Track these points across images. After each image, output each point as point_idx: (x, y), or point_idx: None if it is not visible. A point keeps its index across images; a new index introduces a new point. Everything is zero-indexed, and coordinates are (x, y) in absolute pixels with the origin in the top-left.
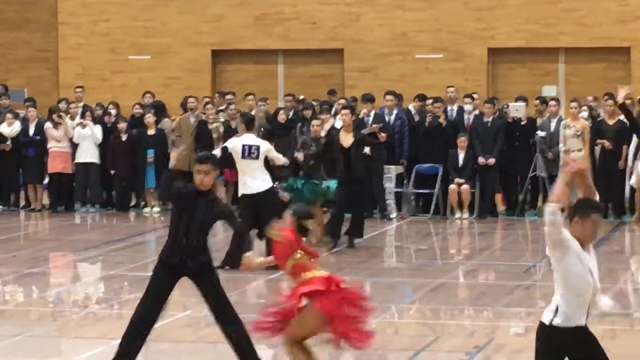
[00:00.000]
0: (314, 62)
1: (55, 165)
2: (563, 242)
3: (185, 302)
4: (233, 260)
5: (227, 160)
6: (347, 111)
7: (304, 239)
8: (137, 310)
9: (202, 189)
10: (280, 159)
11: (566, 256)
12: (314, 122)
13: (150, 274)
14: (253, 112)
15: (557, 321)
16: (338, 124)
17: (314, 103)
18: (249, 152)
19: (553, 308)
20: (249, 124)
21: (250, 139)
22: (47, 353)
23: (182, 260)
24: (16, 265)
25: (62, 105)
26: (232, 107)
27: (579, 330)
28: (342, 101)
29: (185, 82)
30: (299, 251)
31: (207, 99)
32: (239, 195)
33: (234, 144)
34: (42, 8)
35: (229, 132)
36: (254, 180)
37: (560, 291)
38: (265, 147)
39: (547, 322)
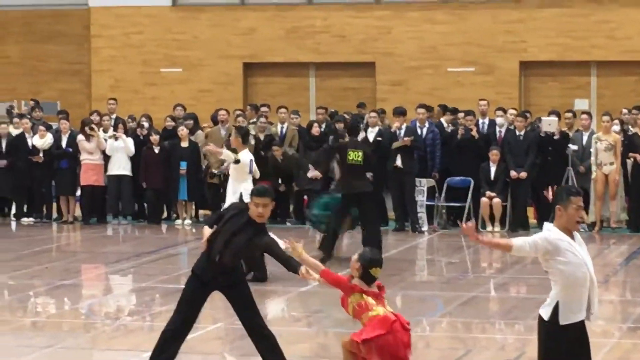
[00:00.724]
0: (345, 75)
1: (87, 177)
2: (548, 248)
3: (216, 315)
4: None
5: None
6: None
7: (367, 286)
8: (169, 323)
9: (258, 221)
10: (257, 173)
11: (559, 256)
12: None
13: (182, 286)
14: (285, 125)
15: (563, 320)
16: (370, 137)
17: (346, 116)
18: (251, 167)
19: (553, 305)
20: (245, 137)
21: (249, 153)
22: None
23: (214, 275)
24: (49, 277)
25: (94, 118)
26: (262, 119)
27: (581, 325)
28: (373, 114)
29: (217, 95)
30: (357, 294)
31: (238, 112)
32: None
33: (244, 159)
34: (74, 20)
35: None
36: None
37: (558, 288)
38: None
39: (552, 320)
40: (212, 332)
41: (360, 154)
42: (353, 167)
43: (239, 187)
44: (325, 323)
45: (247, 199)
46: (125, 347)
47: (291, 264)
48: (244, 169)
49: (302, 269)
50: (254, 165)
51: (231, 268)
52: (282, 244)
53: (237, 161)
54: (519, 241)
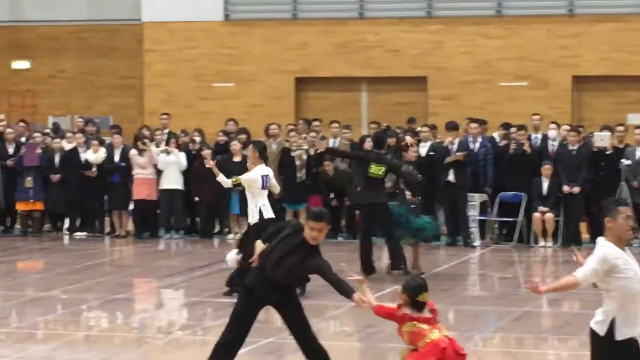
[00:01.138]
0: (397, 89)
1: (140, 191)
2: (606, 269)
3: (268, 329)
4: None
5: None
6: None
7: (417, 314)
8: (221, 337)
9: (311, 244)
10: (277, 188)
11: (617, 273)
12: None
13: (234, 300)
14: (337, 140)
15: (619, 335)
16: (422, 151)
17: (398, 131)
18: (265, 182)
19: (609, 320)
20: (262, 153)
21: (265, 169)
22: None
23: (267, 291)
24: (101, 291)
25: (144, 132)
26: (312, 134)
27: (635, 340)
28: (426, 129)
29: (268, 110)
30: (409, 323)
31: (290, 127)
32: (253, 221)
33: (251, 177)
34: (127, 35)
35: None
36: (268, 206)
37: (615, 303)
38: (271, 174)
39: (607, 335)
40: (264, 347)
41: (383, 169)
42: (373, 180)
43: (257, 203)
44: (376, 338)
45: (266, 214)
46: None
47: (343, 288)
48: (255, 185)
49: (356, 295)
50: (272, 180)
51: (284, 285)
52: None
53: (236, 185)
54: (580, 274)
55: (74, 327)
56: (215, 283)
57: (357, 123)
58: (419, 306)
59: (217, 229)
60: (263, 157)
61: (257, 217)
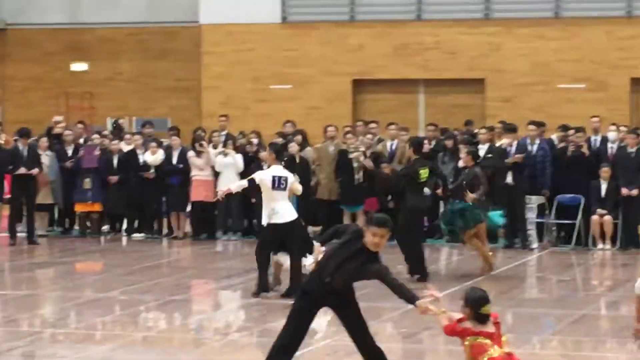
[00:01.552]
0: (454, 91)
1: (197, 193)
2: None
3: (325, 331)
4: None
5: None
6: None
7: (480, 327)
8: (278, 338)
9: (372, 250)
10: (299, 190)
11: None
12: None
13: (291, 302)
14: (394, 142)
15: None
16: (480, 154)
17: (455, 133)
18: (279, 184)
19: None
20: (279, 154)
21: (279, 170)
22: None
23: (324, 294)
24: (159, 292)
25: (200, 134)
26: (369, 136)
27: None
28: (484, 131)
29: (326, 112)
30: (470, 337)
31: (347, 129)
32: (265, 223)
33: (263, 177)
34: (185, 38)
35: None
36: (283, 210)
37: None
38: (291, 178)
39: None
40: (322, 349)
41: (427, 170)
42: (421, 184)
43: (268, 205)
44: (434, 340)
45: (274, 219)
46: None
47: (404, 293)
48: (265, 185)
49: (421, 302)
50: (293, 184)
51: (342, 289)
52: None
53: (250, 183)
54: None
55: (132, 328)
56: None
57: (414, 125)
58: (482, 319)
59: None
60: (280, 158)
61: (267, 221)
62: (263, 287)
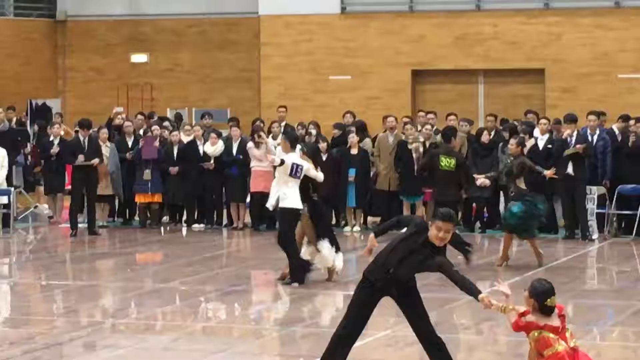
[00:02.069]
0: (514, 82)
1: (257, 184)
2: None
3: (385, 322)
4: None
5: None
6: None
7: (545, 320)
8: (339, 327)
9: (436, 244)
10: (319, 177)
11: None
12: (511, 140)
13: (350, 292)
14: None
15: None
16: (540, 144)
17: (515, 123)
18: (296, 171)
19: None
20: (293, 143)
21: (297, 158)
22: None
23: (386, 284)
24: (219, 282)
25: (259, 125)
26: (427, 127)
27: None
28: (544, 121)
29: (385, 102)
30: (534, 331)
31: (406, 119)
32: (272, 208)
33: (288, 162)
34: (245, 29)
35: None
36: (292, 196)
37: None
38: (306, 166)
39: None
40: (381, 339)
41: (453, 161)
42: (446, 174)
43: (279, 188)
44: (495, 331)
45: (284, 203)
46: (294, 353)
47: (468, 287)
48: (285, 171)
49: (484, 296)
50: (311, 171)
51: (404, 279)
52: (321, 177)
53: (281, 162)
54: None
55: (192, 318)
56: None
57: (474, 116)
58: (547, 311)
59: (333, 221)
60: (294, 147)
61: (273, 204)
62: (304, 267)
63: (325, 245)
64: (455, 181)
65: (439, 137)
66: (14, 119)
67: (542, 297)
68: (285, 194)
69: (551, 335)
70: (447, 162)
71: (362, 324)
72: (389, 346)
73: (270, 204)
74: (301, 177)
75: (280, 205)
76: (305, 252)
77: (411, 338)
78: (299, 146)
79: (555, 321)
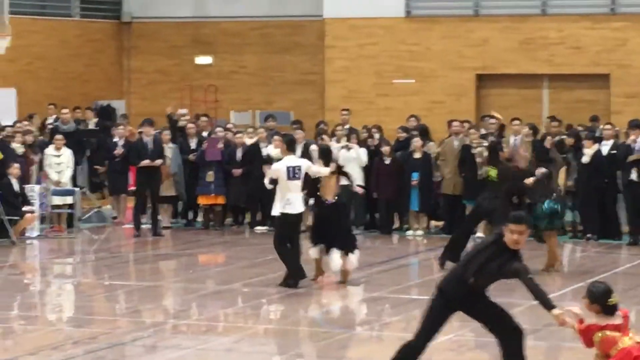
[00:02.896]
0: (579, 87)
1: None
2: None
3: (448, 326)
4: None
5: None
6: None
7: (606, 320)
8: (414, 337)
9: (512, 248)
10: (322, 172)
11: None
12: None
13: (413, 297)
14: (518, 137)
15: None
16: (604, 150)
17: (579, 129)
18: (294, 173)
19: None
20: (290, 145)
21: (293, 160)
22: None
23: (463, 296)
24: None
25: (323, 127)
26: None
27: None
28: (608, 126)
29: (449, 106)
30: (598, 333)
31: (466, 124)
32: (279, 213)
33: (278, 167)
34: (309, 31)
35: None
36: (295, 200)
37: None
38: (305, 164)
39: None
40: (444, 344)
41: (495, 171)
42: (492, 184)
43: (283, 196)
44: (558, 336)
45: (289, 209)
46: (355, 356)
47: (541, 297)
48: (281, 176)
49: (559, 313)
50: (312, 168)
51: (481, 292)
52: (325, 171)
53: (271, 182)
54: None
55: (254, 320)
56: (394, 279)
57: (538, 121)
58: (610, 310)
59: (396, 224)
60: (291, 149)
61: (280, 210)
62: (296, 273)
63: (334, 251)
64: (498, 191)
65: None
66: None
67: (602, 298)
68: (289, 200)
69: (615, 333)
70: (491, 172)
71: (432, 336)
72: (451, 350)
73: (276, 211)
74: (302, 177)
75: (283, 211)
76: (314, 252)
77: (473, 343)
78: (300, 148)
79: (617, 320)
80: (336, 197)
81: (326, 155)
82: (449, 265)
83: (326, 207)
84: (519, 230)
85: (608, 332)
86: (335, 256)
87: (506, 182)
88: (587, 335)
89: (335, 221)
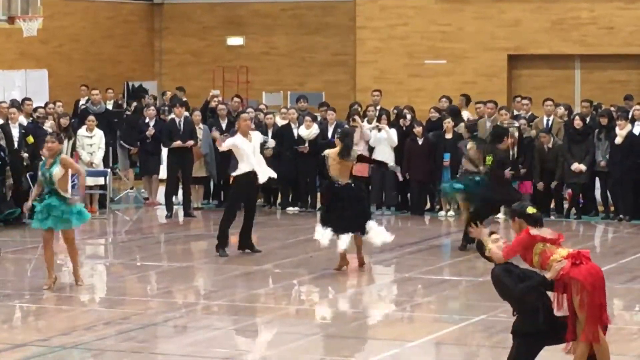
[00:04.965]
0: (611, 67)
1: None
2: None
3: (480, 307)
4: None
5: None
6: None
7: (539, 229)
8: None
9: None
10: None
11: None
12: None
13: (445, 277)
14: (550, 118)
15: None
16: (636, 130)
17: (612, 109)
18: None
19: None
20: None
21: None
22: (343, 353)
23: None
24: (312, 266)
25: (356, 108)
26: (522, 112)
27: None
28: (639, 107)
29: (481, 87)
30: (539, 244)
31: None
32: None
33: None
34: (341, 12)
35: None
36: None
37: None
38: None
39: None
40: (476, 324)
41: (491, 159)
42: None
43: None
44: None
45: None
46: (387, 337)
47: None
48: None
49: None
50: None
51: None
52: None
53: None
54: None
55: (286, 301)
56: (425, 260)
57: (570, 101)
58: (533, 220)
59: (427, 205)
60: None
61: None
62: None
63: (343, 237)
64: (501, 178)
65: (537, 121)
66: (112, 101)
67: (520, 209)
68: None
69: (553, 247)
70: (487, 160)
71: None
72: (482, 332)
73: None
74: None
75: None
76: (324, 235)
77: (505, 323)
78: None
79: (549, 233)
80: (350, 180)
81: (343, 138)
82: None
83: (337, 188)
84: (497, 237)
85: (547, 245)
86: (345, 238)
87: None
88: (528, 243)
89: (347, 203)
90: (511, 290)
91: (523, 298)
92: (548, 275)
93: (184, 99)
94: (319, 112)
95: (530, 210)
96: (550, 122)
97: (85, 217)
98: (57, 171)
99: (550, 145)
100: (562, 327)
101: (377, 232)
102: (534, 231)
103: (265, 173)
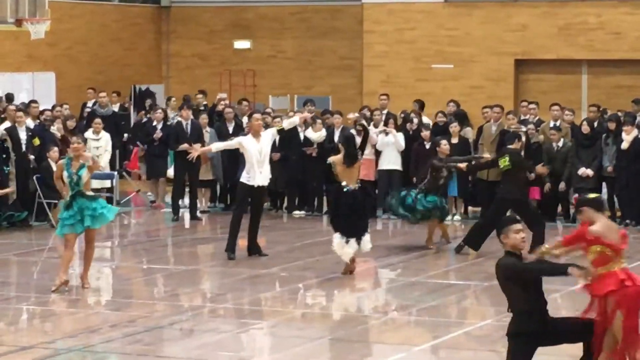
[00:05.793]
0: (618, 72)
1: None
2: None
3: (487, 311)
4: None
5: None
6: None
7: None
8: None
9: (521, 247)
10: (294, 121)
11: None
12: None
13: (450, 282)
14: (557, 122)
15: None
16: None
17: (619, 114)
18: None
19: None
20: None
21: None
22: (349, 357)
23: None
24: (319, 269)
25: (364, 113)
26: (529, 116)
27: None
28: None
29: (488, 91)
30: (597, 246)
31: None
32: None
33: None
34: (348, 16)
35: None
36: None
37: None
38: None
39: None
40: (480, 329)
41: (506, 159)
42: (505, 173)
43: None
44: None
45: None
46: (394, 341)
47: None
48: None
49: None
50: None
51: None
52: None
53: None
54: None
55: (292, 304)
56: (432, 264)
57: (577, 106)
58: (599, 203)
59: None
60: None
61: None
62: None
63: (352, 241)
64: (517, 180)
65: (543, 126)
66: (118, 104)
67: (584, 198)
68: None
69: (612, 254)
70: (502, 162)
71: None
72: (486, 336)
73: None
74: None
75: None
76: (345, 253)
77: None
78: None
79: (619, 240)
80: (357, 184)
81: (345, 143)
82: (466, 250)
83: (345, 194)
84: (520, 228)
85: (608, 251)
86: (353, 242)
87: (522, 169)
88: (585, 240)
89: (355, 209)
90: (527, 267)
91: (533, 277)
92: (578, 271)
93: (204, 103)
94: (323, 119)
95: (592, 195)
96: (557, 127)
97: (114, 208)
98: (85, 174)
99: (560, 144)
100: (556, 328)
101: (366, 241)
102: (596, 230)
103: (259, 178)
